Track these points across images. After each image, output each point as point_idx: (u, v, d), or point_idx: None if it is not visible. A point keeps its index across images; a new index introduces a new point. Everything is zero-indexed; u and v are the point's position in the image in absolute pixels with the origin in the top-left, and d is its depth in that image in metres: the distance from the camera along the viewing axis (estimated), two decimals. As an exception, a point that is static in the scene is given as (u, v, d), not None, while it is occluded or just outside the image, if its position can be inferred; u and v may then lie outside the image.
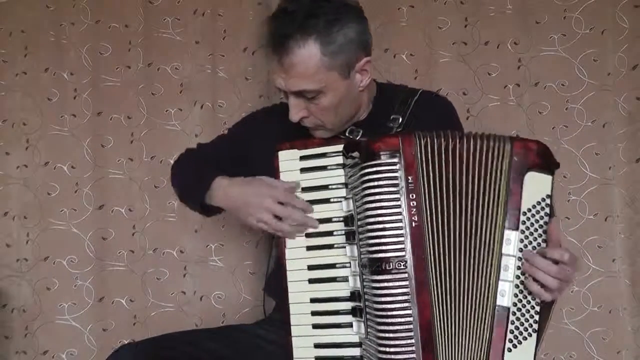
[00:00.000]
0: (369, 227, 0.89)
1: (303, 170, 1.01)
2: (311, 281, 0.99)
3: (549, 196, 0.90)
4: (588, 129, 1.53)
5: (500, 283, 0.89)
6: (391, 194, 0.88)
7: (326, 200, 0.99)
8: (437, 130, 0.92)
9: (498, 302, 0.88)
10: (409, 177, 0.88)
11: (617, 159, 1.52)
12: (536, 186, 0.89)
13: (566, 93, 1.54)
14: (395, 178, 0.88)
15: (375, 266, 0.88)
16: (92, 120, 1.64)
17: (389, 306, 0.86)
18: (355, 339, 0.96)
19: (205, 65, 1.63)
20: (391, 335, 0.86)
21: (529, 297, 0.89)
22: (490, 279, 0.89)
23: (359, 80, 1.04)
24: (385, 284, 0.87)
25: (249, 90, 1.62)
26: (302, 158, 1.01)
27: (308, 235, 1.00)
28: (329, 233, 0.98)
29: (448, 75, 1.58)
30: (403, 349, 0.86)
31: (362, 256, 0.92)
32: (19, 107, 1.65)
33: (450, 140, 0.91)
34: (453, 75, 1.58)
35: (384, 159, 0.88)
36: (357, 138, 1.07)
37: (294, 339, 0.99)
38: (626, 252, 1.50)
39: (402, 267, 0.86)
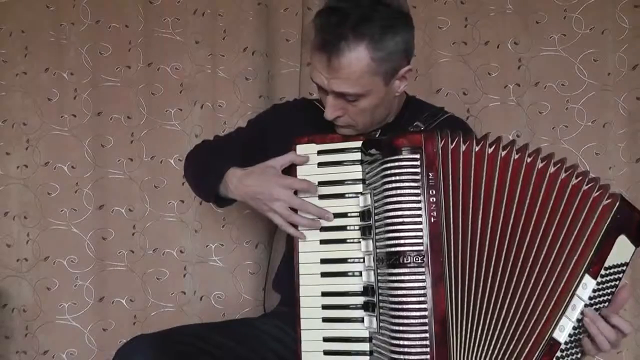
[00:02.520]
0: (388, 220, 0.89)
1: (320, 164, 1.02)
2: (323, 275, 0.99)
3: (627, 264, 0.93)
4: (588, 129, 1.53)
5: (563, 318, 0.91)
6: (411, 189, 0.89)
7: (341, 195, 1.00)
8: (465, 133, 0.94)
9: (554, 335, 0.90)
10: (430, 174, 0.89)
11: (617, 159, 1.52)
12: (622, 250, 0.92)
13: (566, 93, 1.54)
14: (416, 174, 0.89)
15: (392, 259, 0.88)
16: (92, 120, 1.64)
17: (404, 299, 0.87)
18: (365, 333, 0.96)
19: (205, 65, 1.63)
20: (405, 328, 0.86)
21: (578, 343, 0.92)
22: (555, 309, 0.91)
23: (397, 86, 1.06)
24: (402, 277, 0.87)
25: (249, 90, 1.62)
26: (320, 152, 1.02)
27: (322, 229, 1.00)
28: (344, 227, 0.99)
29: (448, 75, 1.58)
30: (417, 342, 0.86)
31: (379, 250, 0.93)
32: (19, 107, 1.65)
33: (485, 146, 0.93)
34: (453, 75, 1.58)
35: (406, 154, 0.89)
36: (377, 136, 1.08)
37: (303, 332, 0.99)
38: (626, 252, 1.50)
39: (419, 261, 0.87)
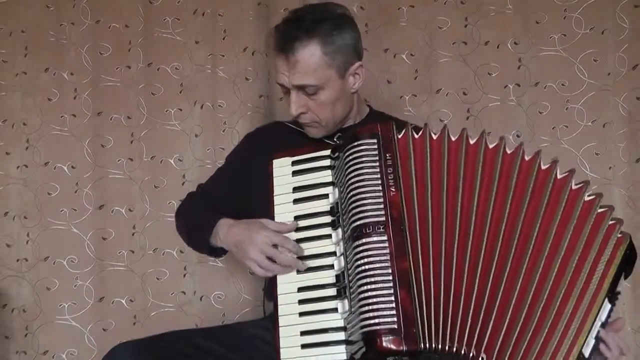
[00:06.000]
0: (351, 199, 0.95)
1: (294, 173, 1.08)
2: (299, 272, 1.03)
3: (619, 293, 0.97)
4: (588, 129, 1.53)
5: (589, 337, 0.92)
6: (370, 168, 0.96)
7: (315, 198, 1.06)
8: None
9: (583, 350, 0.91)
10: (387, 155, 0.96)
11: (617, 159, 1.52)
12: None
13: (566, 93, 1.54)
14: (374, 155, 0.97)
15: (356, 232, 0.93)
16: (92, 120, 1.64)
17: (369, 266, 0.90)
18: (341, 323, 0.97)
19: (205, 65, 1.63)
20: (372, 293, 0.89)
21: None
22: (584, 325, 0.91)
23: (352, 82, 1.17)
24: (366, 247, 0.92)
25: (249, 90, 1.62)
26: (294, 163, 1.09)
27: (296, 230, 1.05)
28: (316, 226, 1.04)
29: (448, 75, 1.58)
30: (384, 306, 0.88)
31: (346, 233, 0.97)
32: (19, 107, 1.65)
33: (443, 136, 0.98)
34: (453, 75, 1.58)
35: (364, 139, 0.98)
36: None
37: (280, 329, 1.01)
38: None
39: (380, 229, 0.92)
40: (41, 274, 1.61)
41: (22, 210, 1.63)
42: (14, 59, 1.66)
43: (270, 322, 1.17)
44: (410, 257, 0.91)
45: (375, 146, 0.97)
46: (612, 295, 0.94)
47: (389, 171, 0.95)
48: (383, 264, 0.90)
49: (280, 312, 1.02)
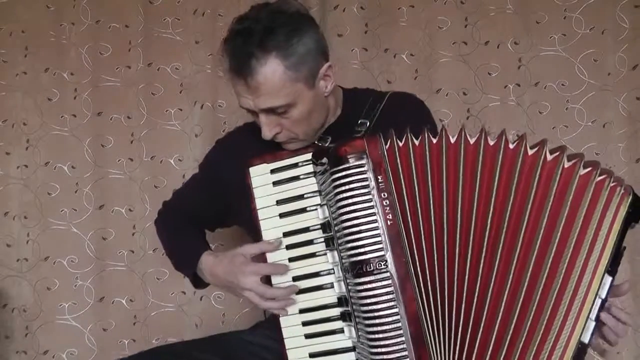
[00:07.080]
0: (346, 231, 0.89)
1: (275, 183, 1.00)
2: (298, 292, 0.98)
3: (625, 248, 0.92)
4: (588, 129, 1.53)
5: (588, 320, 0.88)
6: (363, 195, 0.88)
7: (302, 210, 0.98)
8: (413, 130, 0.91)
9: (582, 338, 0.88)
10: (379, 177, 0.88)
11: (617, 159, 1.52)
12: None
13: (566, 93, 1.54)
14: (365, 179, 0.88)
15: (356, 269, 0.88)
16: (92, 120, 1.64)
17: (375, 307, 0.87)
18: (349, 343, 0.95)
19: (205, 65, 1.63)
20: (381, 335, 0.86)
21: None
22: (582, 311, 0.88)
23: (323, 86, 1.04)
24: (369, 285, 0.87)
25: (249, 90, 1.62)
26: (273, 171, 1.01)
27: (289, 247, 0.99)
28: (310, 242, 0.97)
29: (448, 75, 1.58)
30: (394, 347, 0.86)
31: (344, 261, 0.92)
32: (19, 107, 1.65)
33: (424, 139, 0.90)
34: (453, 75, 1.58)
35: (352, 161, 0.88)
36: (327, 145, 1.06)
37: (288, 352, 0.98)
38: (626, 252, 1.49)
39: (382, 266, 0.86)
40: (41, 274, 1.61)
41: (22, 210, 1.63)
42: (14, 59, 1.66)
43: (269, 327, 1.15)
44: (416, 288, 0.87)
45: (365, 168, 0.88)
46: (613, 268, 0.89)
47: (383, 196, 0.87)
48: (390, 303, 0.86)
49: (285, 335, 0.99)
